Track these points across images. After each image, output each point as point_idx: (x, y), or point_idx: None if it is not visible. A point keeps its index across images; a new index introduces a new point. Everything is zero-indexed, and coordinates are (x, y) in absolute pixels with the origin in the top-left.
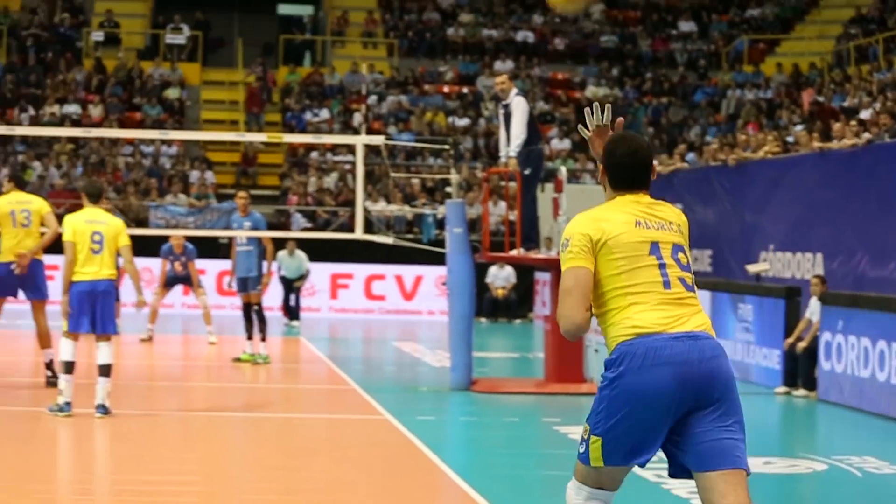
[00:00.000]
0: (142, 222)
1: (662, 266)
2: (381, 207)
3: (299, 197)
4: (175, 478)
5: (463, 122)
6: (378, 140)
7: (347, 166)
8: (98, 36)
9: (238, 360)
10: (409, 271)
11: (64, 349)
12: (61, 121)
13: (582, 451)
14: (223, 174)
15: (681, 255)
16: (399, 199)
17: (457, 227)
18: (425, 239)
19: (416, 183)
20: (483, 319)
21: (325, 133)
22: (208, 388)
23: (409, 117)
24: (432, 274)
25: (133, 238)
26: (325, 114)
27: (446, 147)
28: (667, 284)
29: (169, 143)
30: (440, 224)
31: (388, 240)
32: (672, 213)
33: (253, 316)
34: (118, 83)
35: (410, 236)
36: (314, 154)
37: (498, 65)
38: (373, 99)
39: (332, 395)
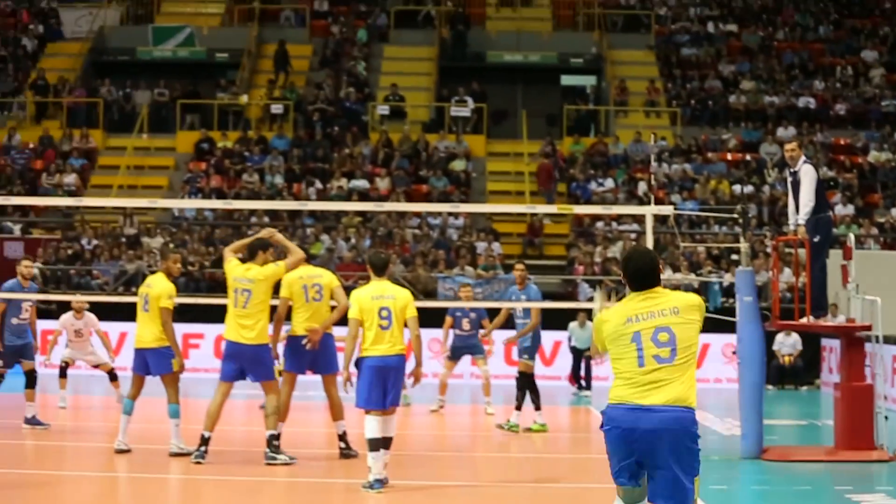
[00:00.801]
0: (430, 294)
1: (640, 350)
2: (667, 276)
3: (586, 266)
4: None
5: (747, 189)
6: (667, 210)
7: (633, 235)
8: (383, 110)
9: (529, 430)
10: None
11: (368, 427)
12: (349, 194)
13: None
14: (510, 245)
15: (661, 335)
16: (685, 268)
17: (747, 295)
18: (711, 307)
19: (701, 251)
20: (770, 387)
21: (609, 202)
22: (496, 459)
23: (693, 185)
24: (719, 342)
25: (422, 310)
26: (609, 183)
27: (733, 216)
28: (641, 363)
29: (456, 214)
30: (726, 292)
31: None
32: (671, 300)
33: (536, 385)
34: (404, 156)
35: None
36: (600, 224)
37: (780, 131)
38: (656, 167)
39: None
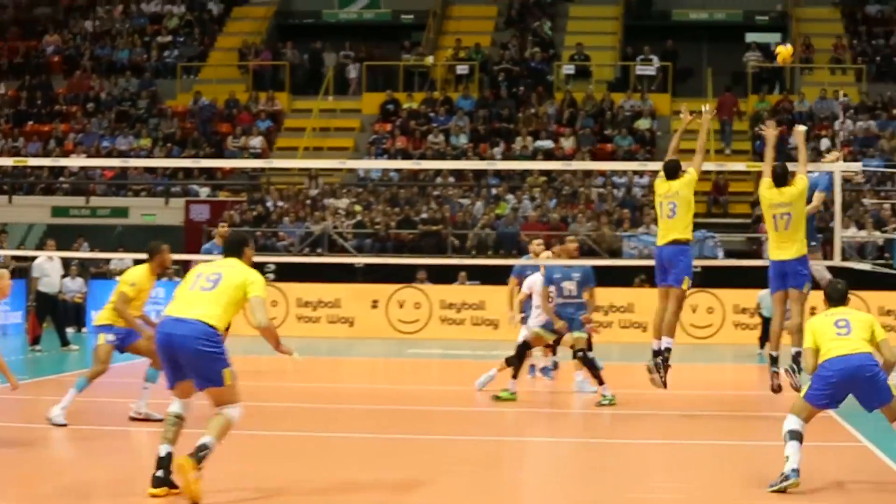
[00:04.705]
0: (615, 252)
1: (196, 283)
2: (852, 233)
3: None
4: None
5: None
6: (855, 167)
7: None
8: (569, 69)
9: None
10: (874, 297)
11: (788, 420)
12: (534, 154)
13: None
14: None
15: (209, 278)
16: (871, 225)
17: None
18: None
19: (886, 208)
20: None
21: (794, 160)
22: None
23: (877, 142)
24: None
25: (607, 269)
26: (794, 140)
27: None
28: (193, 289)
29: (641, 173)
30: None
31: (865, 266)
32: (227, 263)
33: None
34: (589, 115)
35: (882, 262)
36: None
37: None
38: (841, 124)
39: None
